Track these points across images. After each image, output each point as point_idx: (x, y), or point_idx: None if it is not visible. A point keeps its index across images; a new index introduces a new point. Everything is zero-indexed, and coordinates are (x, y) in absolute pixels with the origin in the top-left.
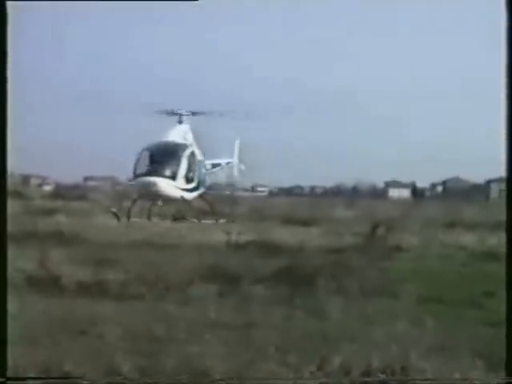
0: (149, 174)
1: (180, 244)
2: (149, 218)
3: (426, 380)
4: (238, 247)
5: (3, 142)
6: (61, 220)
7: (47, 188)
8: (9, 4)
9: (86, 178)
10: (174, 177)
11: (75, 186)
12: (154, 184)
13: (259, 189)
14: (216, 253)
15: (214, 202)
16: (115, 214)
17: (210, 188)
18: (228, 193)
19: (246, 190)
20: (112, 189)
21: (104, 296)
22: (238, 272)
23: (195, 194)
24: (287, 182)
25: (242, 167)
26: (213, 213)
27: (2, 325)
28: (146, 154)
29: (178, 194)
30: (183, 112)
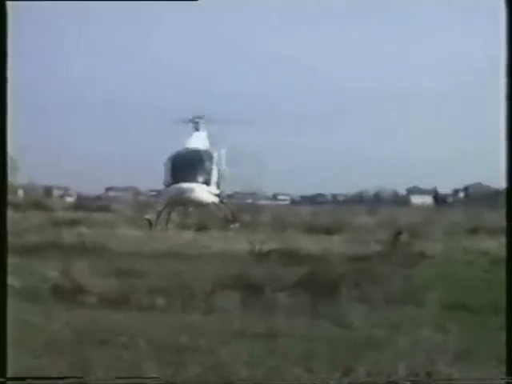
0: (183, 180)
1: (204, 254)
2: (166, 224)
3: (425, 380)
4: (261, 256)
5: (3, 147)
6: (83, 231)
7: (69, 199)
8: (9, 4)
9: (108, 189)
10: (208, 183)
11: (97, 197)
12: (192, 190)
13: (281, 197)
14: (239, 262)
15: (235, 209)
16: (149, 221)
17: (230, 196)
18: (249, 201)
19: (267, 198)
20: (134, 199)
21: (128, 306)
22: (261, 281)
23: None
24: (309, 190)
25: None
26: (234, 220)
27: (2, 326)
28: (175, 162)
29: (211, 199)
30: (200, 120)
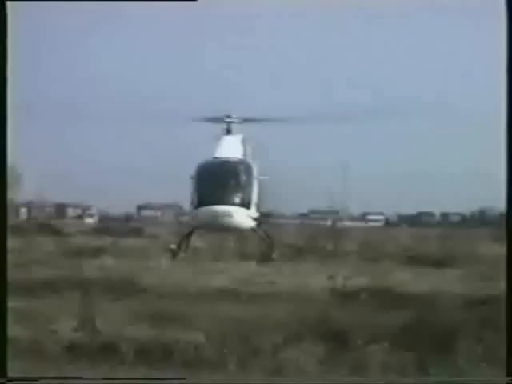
0: (215, 201)
1: (269, 293)
2: (185, 250)
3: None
4: (346, 296)
5: (3, 143)
6: (109, 263)
7: (90, 221)
8: (9, 4)
9: (141, 207)
10: (247, 205)
11: (126, 218)
12: (229, 214)
13: (372, 217)
14: (317, 304)
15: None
16: (172, 251)
17: (304, 215)
18: (329, 223)
19: (353, 218)
20: (176, 220)
21: (170, 364)
22: (348, 330)
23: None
24: (410, 208)
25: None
26: (270, 248)
27: (3, 326)
28: (203, 177)
29: (250, 225)
30: (233, 119)
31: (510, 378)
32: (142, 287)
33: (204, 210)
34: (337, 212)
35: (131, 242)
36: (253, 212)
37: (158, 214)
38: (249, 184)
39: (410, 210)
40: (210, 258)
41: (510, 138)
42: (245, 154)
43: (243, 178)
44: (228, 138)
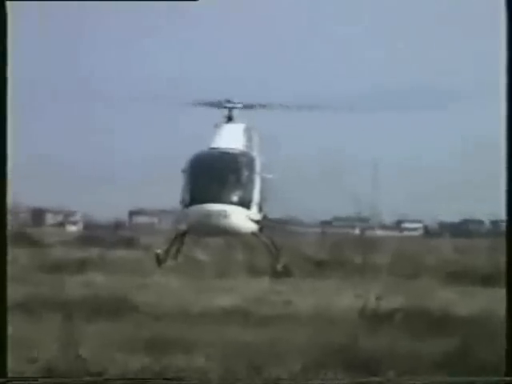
0: (209, 199)
1: (282, 314)
2: (176, 258)
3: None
4: (378, 318)
5: (3, 140)
6: (95, 279)
7: (73, 229)
8: (9, 4)
9: (133, 212)
10: (247, 204)
11: (116, 225)
12: (225, 214)
13: (408, 225)
14: (343, 327)
15: (288, 243)
16: (158, 256)
17: (327, 223)
18: (357, 232)
19: (385, 226)
20: (174, 227)
21: None
22: (380, 358)
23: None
24: (454, 215)
25: None
26: (276, 258)
27: (3, 326)
28: (197, 170)
29: (250, 228)
30: (236, 104)
31: (510, 378)
32: (134, 307)
33: (196, 208)
34: (366, 219)
35: (122, 253)
36: (254, 213)
37: (154, 220)
38: (250, 180)
39: (453, 216)
40: (214, 272)
41: (510, 145)
42: (249, 146)
43: (244, 172)
44: (228, 127)
